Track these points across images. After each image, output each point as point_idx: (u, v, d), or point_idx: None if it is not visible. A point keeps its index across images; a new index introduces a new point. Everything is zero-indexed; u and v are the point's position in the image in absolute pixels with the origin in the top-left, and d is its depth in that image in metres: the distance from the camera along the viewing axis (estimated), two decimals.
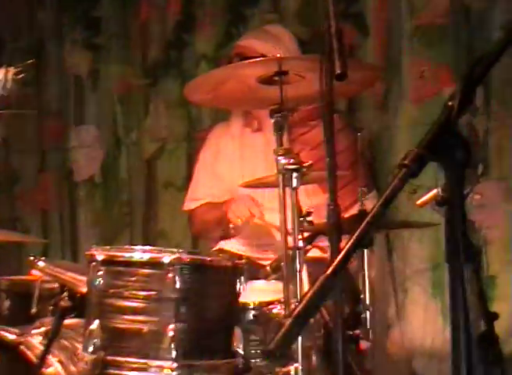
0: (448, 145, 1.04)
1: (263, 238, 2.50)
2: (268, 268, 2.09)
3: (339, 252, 1.01)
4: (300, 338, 1.74)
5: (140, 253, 1.76)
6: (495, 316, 2.32)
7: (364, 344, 2.07)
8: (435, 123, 1.05)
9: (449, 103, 1.05)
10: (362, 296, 2.12)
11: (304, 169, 1.81)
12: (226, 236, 2.65)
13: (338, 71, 1.35)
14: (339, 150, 2.58)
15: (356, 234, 0.99)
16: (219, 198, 2.64)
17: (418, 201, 2.19)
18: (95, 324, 1.71)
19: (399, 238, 2.81)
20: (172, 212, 3.21)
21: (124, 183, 3.36)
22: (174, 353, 1.70)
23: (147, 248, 1.78)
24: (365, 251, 2.14)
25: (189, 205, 2.76)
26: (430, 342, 2.75)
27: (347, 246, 0.99)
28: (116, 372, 1.70)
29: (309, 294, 0.98)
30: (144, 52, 3.30)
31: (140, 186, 3.32)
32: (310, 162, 1.83)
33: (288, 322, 0.96)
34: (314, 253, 1.96)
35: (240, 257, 1.88)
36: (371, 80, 2.08)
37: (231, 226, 2.53)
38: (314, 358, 1.91)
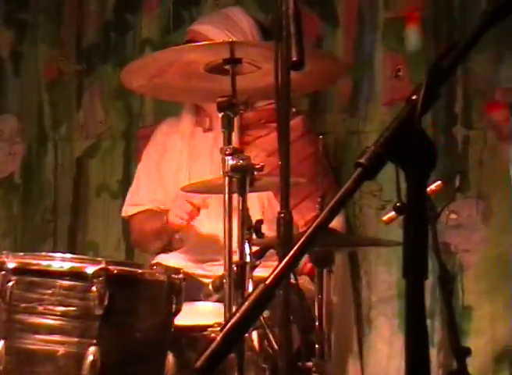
0: (409, 145, 1.08)
1: (209, 252, 2.52)
2: (209, 286, 2.10)
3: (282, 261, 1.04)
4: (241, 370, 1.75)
5: (59, 262, 1.76)
6: (468, 352, 2.38)
7: None
8: (396, 119, 1.09)
9: (413, 97, 1.08)
10: (317, 323, 2.15)
11: (256, 172, 1.83)
12: (167, 248, 2.66)
13: (294, 58, 1.37)
14: (301, 157, 2.64)
15: (302, 239, 1.02)
16: (164, 205, 2.65)
17: (384, 217, 2.24)
18: (0, 345, 1.70)
19: (366, 261, 2.86)
20: (104, 221, 3.20)
21: (48, 185, 3.33)
22: None
23: (68, 255, 1.78)
24: (324, 272, 2.18)
25: (127, 210, 2.76)
26: None
27: (291, 252, 1.01)
28: None
29: (244, 306, 1.00)
30: (78, 33, 3.30)
31: (67, 189, 3.30)
32: (261, 164, 1.86)
33: (218, 337, 0.97)
34: (262, 273, 1.97)
35: (178, 271, 1.88)
36: (334, 75, 2.12)
37: (176, 236, 2.54)
38: None
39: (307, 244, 1.04)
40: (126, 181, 3.14)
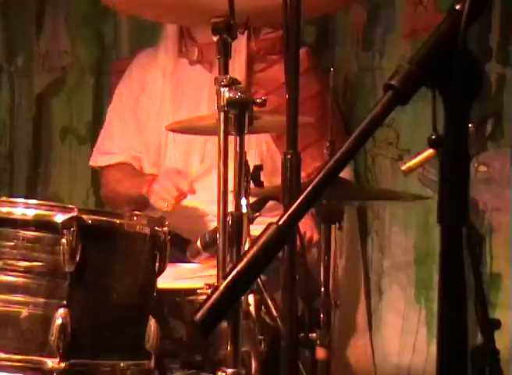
0: (451, 64, 1.06)
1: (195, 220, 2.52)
2: (198, 244, 2.10)
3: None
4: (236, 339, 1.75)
5: (22, 208, 1.74)
6: (496, 324, 2.40)
7: (321, 352, 2.11)
8: (435, 34, 1.07)
9: (456, 7, 1.06)
10: (323, 289, 2.16)
11: (257, 107, 1.81)
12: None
13: None
14: (306, 96, 2.62)
15: (322, 172, 1.01)
16: (141, 153, 2.63)
17: (404, 166, 2.23)
18: None
19: (378, 220, 2.86)
20: (70, 170, 3.18)
21: (3, 127, 3.31)
22: (62, 348, 1.69)
23: (33, 201, 1.76)
24: (332, 229, 2.18)
25: (97, 159, 2.74)
26: (408, 360, 2.82)
27: (310, 187, 1.00)
28: None
29: (252, 251, 0.99)
30: None
31: (25, 132, 3.28)
32: (263, 97, 1.84)
33: (221, 286, 0.97)
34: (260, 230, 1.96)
35: (163, 223, 1.87)
36: None
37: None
38: (253, 365, 1.94)
39: (328, 179, 1.02)
40: (97, 124, 3.12)
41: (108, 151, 2.71)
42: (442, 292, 1.11)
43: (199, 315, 0.96)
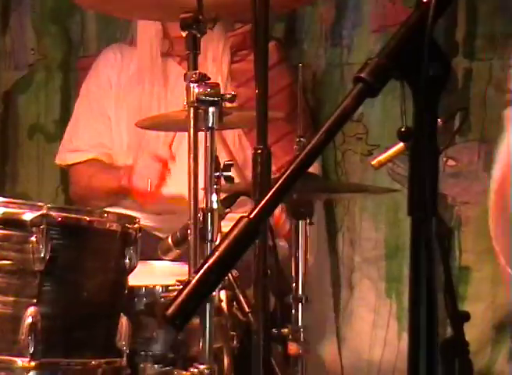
0: (419, 56, 1.07)
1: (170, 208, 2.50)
2: (169, 240, 2.09)
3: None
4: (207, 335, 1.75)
5: None
6: (465, 317, 2.42)
7: (293, 348, 2.11)
8: (403, 26, 1.07)
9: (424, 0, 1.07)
10: (294, 285, 2.16)
11: (226, 102, 1.81)
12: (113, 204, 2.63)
13: None
14: (275, 89, 2.62)
15: (293, 165, 1.01)
16: (111, 151, 2.61)
17: (374, 161, 2.24)
18: None
19: (349, 215, 2.87)
20: (38, 168, 3.16)
21: None
22: (32, 347, 1.68)
23: (1, 199, 1.75)
24: (301, 225, 2.18)
25: (65, 157, 2.71)
26: (380, 353, 2.83)
27: (280, 180, 1.00)
28: None
29: (224, 244, 0.99)
30: None
31: None
32: (233, 93, 1.83)
33: (193, 280, 0.96)
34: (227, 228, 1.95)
35: (133, 220, 1.86)
36: None
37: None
38: (226, 361, 1.94)
39: (298, 172, 1.03)
40: (65, 121, 3.08)
41: (76, 149, 2.68)
42: (412, 283, 1.11)
43: (171, 310, 0.95)
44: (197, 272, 0.97)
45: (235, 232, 0.99)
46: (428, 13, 1.05)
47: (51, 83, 3.18)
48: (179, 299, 0.96)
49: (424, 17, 1.07)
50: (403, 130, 1.13)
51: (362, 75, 1.06)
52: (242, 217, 1.01)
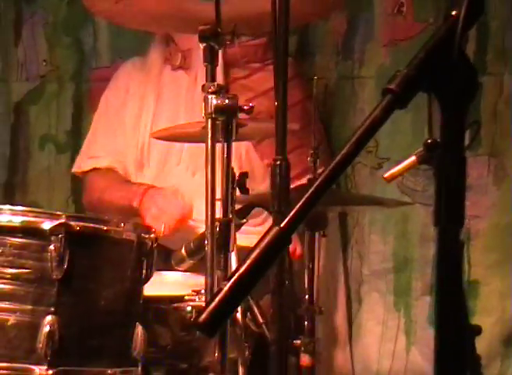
0: (448, 68, 1.07)
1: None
2: (182, 251, 2.09)
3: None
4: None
5: (8, 215, 1.73)
6: (477, 331, 2.41)
7: (306, 359, 2.11)
8: (433, 38, 1.08)
9: (453, 13, 1.07)
10: (307, 297, 2.16)
11: (245, 114, 1.81)
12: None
13: None
14: (290, 103, 2.61)
15: (322, 177, 1.01)
16: (124, 157, 2.61)
17: (387, 174, 2.24)
18: None
19: (358, 227, 2.87)
20: (49, 178, 3.16)
21: None
22: (50, 355, 1.68)
23: (20, 208, 1.75)
24: (316, 237, 2.18)
25: (82, 164, 2.71)
26: (388, 366, 2.83)
27: (310, 190, 1.00)
28: None
29: (255, 253, 0.99)
30: None
31: (3, 140, 3.24)
32: (251, 104, 1.84)
33: (225, 287, 0.96)
34: (244, 240, 1.95)
35: (149, 230, 1.86)
36: (333, 1, 2.11)
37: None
38: (241, 372, 1.94)
39: (329, 182, 1.03)
40: (76, 132, 3.10)
41: (92, 155, 2.69)
42: (439, 292, 1.11)
43: (203, 317, 0.95)
44: (229, 279, 0.97)
45: (266, 241, 1.00)
46: (457, 26, 1.06)
47: (63, 95, 3.18)
48: (211, 306, 0.96)
49: (452, 30, 1.07)
50: (429, 141, 1.14)
51: (391, 86, 1.06)
52: (272, 226, 1.01)
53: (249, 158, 2.59)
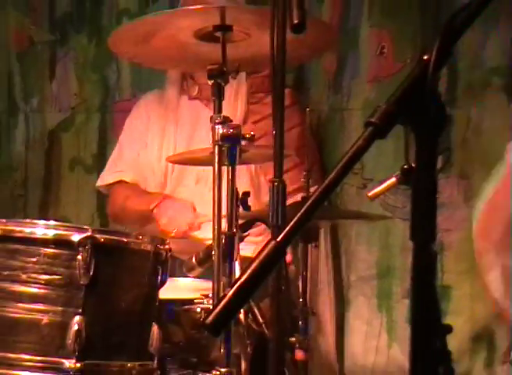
0: (421, 104, 1.08)
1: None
2: (193, 259, 2.09)
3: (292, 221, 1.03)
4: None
5: (43, 229, 1.73)
6: (449, 329, 2.41)
7: (300, 354, 2.11)
8: (408, 78, 1.09)
9: (425, 57, 1.08)
10: (301, 300, 2.16)
11: (246, 141, 1.82)
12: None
13: (295, 21, 1.36)
14: (287, 127, 2.63)
15: (314, 196, 1.02)
16: (145, 174, 2.61)
17: (370, 193, 2.25)
18: None
19: (346, 238, 2.87)
20: (77, 195, 3.17)
21: (19, 158, 3.28)
22: (78, 350, 1.68)
23: (52, 223, 1.76)
24: (309, 247, 2.18)
25: (105, 178, 2.68)
26: (372, 360, 2.82)
27: (304, 208, 1.01)
28: (6, 371, 1.67)
29: (254, 263, 1.00)
30: (50, 1, 3.25)
31: (39, 163, 3.26)
32: (252, 133, 1.85)
33: (229, 293, 0.97)
34: (244, 251, 1.96)
35: (164, 241, 1.87)
36: (325, 44, 2.12)
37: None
38: (243, 365, 1.93)
39: (319, 201, 1.04)
40: (101, 155, 3.11)
41: (117, 170, 2.67)
42: (414, 301, 1.12)
43: (210, 318, 0.96)
44: (231, 286, 0.98)
45: (264, 253, 1.00)
46: (428, 68, 1.07)
47: (90, 124, 3.20)
48: (217, 309, 0.96)
49: (425, 72, 1.09)
50: (405, 167, 1.15)
51: (373, 120, 1.07)
52: (270, 240, 1.02)
53: (257, 174, 2.61)
